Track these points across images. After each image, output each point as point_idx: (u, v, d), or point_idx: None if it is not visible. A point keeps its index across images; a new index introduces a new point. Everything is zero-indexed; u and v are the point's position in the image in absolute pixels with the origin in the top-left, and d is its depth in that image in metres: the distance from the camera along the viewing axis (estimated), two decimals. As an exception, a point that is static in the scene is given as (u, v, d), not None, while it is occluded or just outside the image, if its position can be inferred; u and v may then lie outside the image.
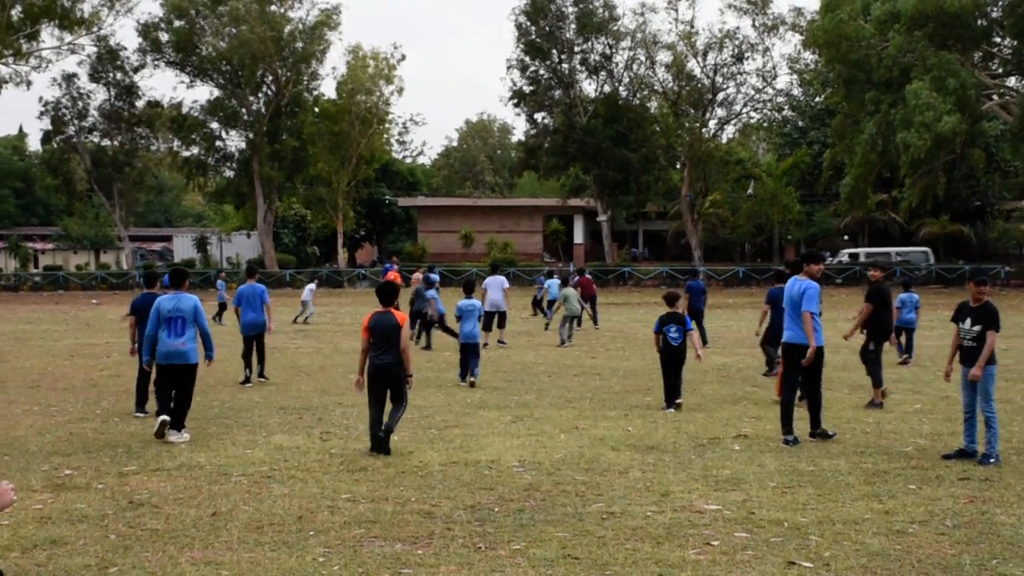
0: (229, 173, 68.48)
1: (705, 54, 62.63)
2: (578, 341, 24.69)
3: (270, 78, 63.91)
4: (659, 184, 65.77)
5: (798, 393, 11.78)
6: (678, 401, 13.55)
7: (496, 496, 8.48)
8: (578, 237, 70.56)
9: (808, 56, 63.24)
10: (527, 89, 64.40)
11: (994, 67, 53.66)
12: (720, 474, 9.32)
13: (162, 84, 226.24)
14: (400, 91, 66.66)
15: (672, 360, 13.55)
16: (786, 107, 71.82)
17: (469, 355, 16.69)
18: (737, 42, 61.68)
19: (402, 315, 10.73)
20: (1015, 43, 50.37)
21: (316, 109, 66.87)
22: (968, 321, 10.10)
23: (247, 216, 70.69)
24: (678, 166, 66.55)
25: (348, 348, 23.17)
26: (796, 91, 71.19)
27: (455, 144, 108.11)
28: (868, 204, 56.87)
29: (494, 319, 23.54)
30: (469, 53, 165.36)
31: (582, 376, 17.69)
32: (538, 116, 65.99)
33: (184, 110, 65.44)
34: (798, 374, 11.29)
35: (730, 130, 69.51)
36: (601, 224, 65.10)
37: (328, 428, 12.12)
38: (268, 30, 60.56)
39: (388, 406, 10.58)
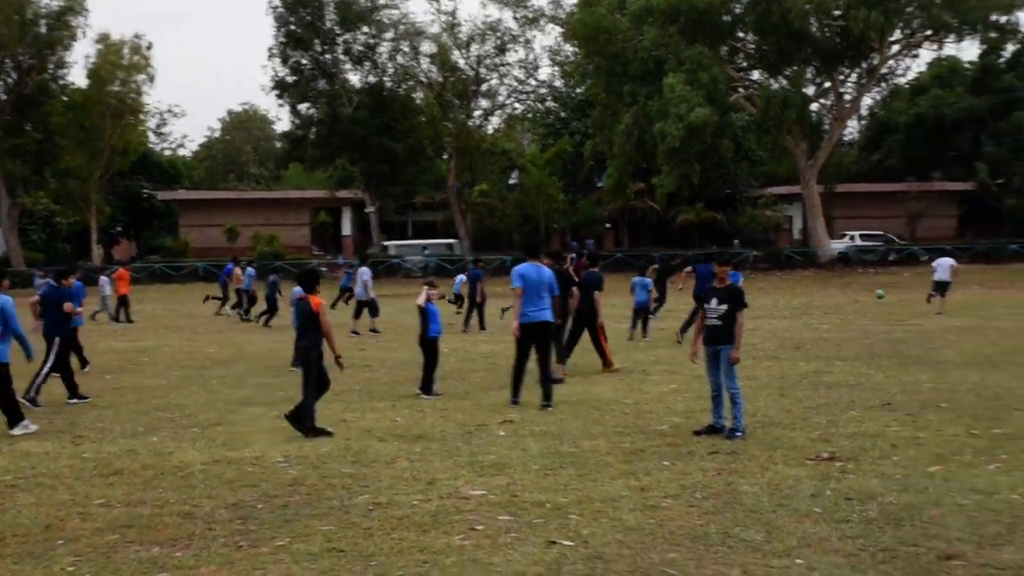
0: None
1: (468, 45, 63.32)
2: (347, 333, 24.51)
3: (11, 64, 60.03)
4: (427, 174, 66.12)
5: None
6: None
7: (260, 493, 8.32)
8: (346, 229, 70.02)
9: (568, 48, 64.94)
10: (290, 79, 63.32)
11: (739, 61, 56.60)
12: (485, 460, 9.46)
13: None
14: (152, 79, 63.77)
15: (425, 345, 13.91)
16: (548, 98, 73.45)
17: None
18: (499, 34, 62.66)
19: (318, 300, 11.16)
20: (757, 39, 53.25)
21: (64, 99, 63.39)
22: (714, 301, 10.63)
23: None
24: (445, 156, 67.03)
25: (105, 348, 22.20)
26: (558, 82, 72.91)
27: (217, 136, 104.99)
28: (628, 193, 58.84)
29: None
30: (229, 41, 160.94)
31: (351, 368, 17.52)
32: (302, 107, 65.08)
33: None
34: (529, 348, 12.69)
35: (495, 121, 70.63)
36: (370, 215, 64.85)
37: (81, 432, 11.57)
38: (12, 13, 56.96)
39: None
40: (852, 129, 76.00)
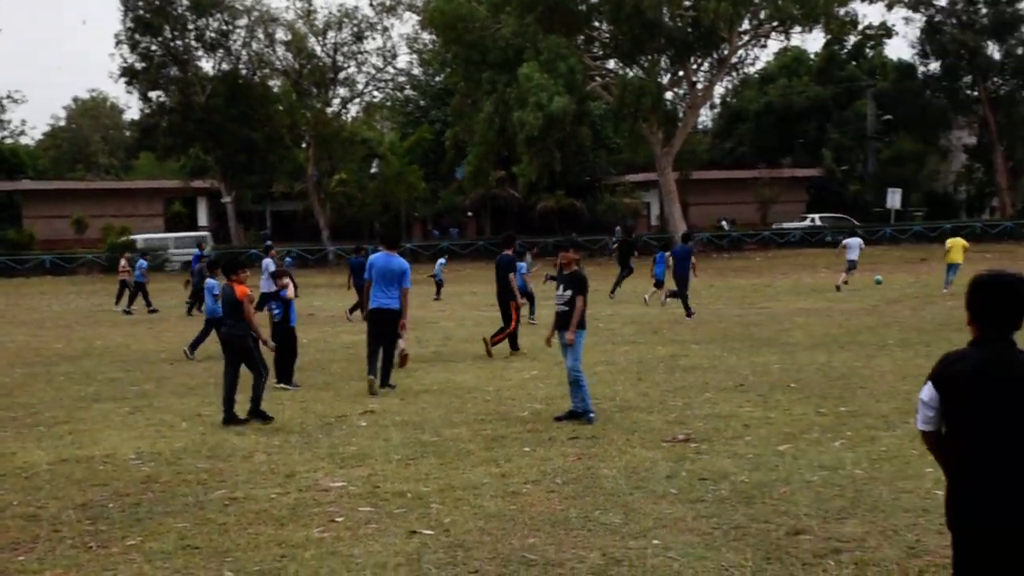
0: None
1: (325, 33, 62.51)
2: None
3: None
4: (285, 163, 65.01)
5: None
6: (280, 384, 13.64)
7: (110, 492, 8.07)
8: (202, 219, 68.34)
9: (427, 37, 64.68)
10: (139, 66, 61.37)
11: (595, 50, 57.28)
12: (346, 451, 9.37)
13: None
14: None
15: (277, 336, 13.55)
16: (407, 87, 73.09)
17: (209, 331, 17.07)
18: (356, 21, 62.04)
19: (242, 289, 11.27)
20: (612, 28, 53.97)
21: None
22: (561, 287, 10.78)
23: None
24: (303, 145, 66.06)
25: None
26: (417, 71, 72.59)
27: (63, 124, 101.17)
28: (489, 181, 58.99)
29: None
30: (74, 26, 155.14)
31: (207, 362, 17.17)
32: (153, 94, 63.11)
33: None
34: (379, 333, 13.08)
35: (354, 109, 69.92)
36: (226, 206, 63.50)
37: (-81, 435, 11.03)
38: None
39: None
40: (705, 117, 77.82)
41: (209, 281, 16.97)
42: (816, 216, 62.18)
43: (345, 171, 63.90)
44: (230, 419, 10.98)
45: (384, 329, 13.08)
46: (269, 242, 29.46)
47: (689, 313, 22.43)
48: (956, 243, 27.72)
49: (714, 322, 21.56)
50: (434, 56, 66.53)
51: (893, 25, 70.60)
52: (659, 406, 11.31)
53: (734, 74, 63.34)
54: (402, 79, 71.10)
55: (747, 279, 36.58)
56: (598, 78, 54.96)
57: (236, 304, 11.23)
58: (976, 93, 63.22)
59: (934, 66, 65.51)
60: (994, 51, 62.64)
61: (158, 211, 68.62)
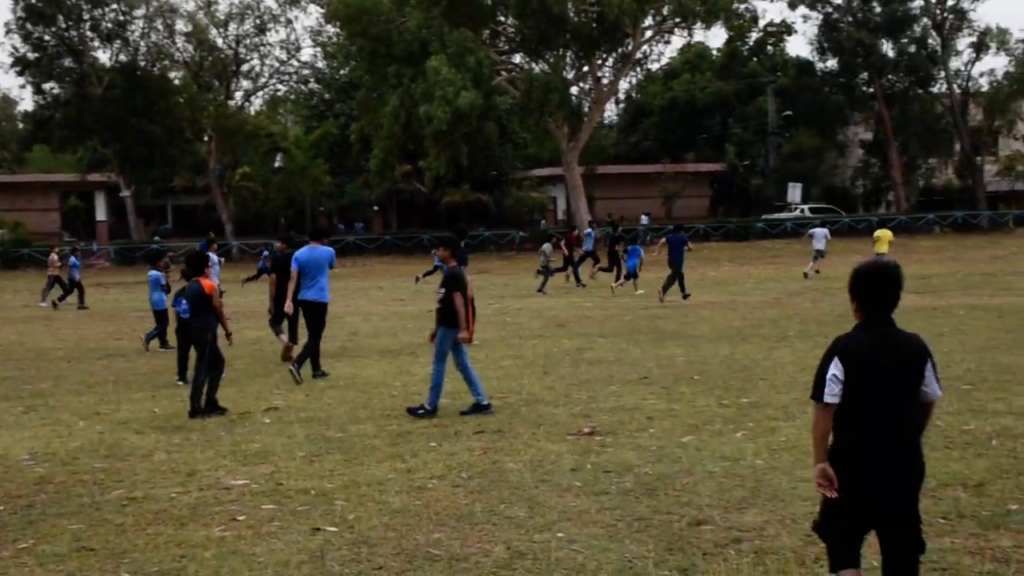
0: None
1: (226, 24, 61.59)
2: (108, 322, 23.46)
3: None
4: (186, 157, 63.92)
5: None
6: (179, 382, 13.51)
7: (1, 493, 7.83)
8: (101, 214, 66.85)
9: (331, 29, 64.07)
10: (32, 56, 59.64)
11: (501, 45, 57.38)
12: (249, 448, 9.23)
13: None
14: None
15: (182, 334, 13.33)
16: (312, 80, 72.36)
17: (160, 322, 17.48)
18: (258, 13, 61.28)
19: (210, 283, 11.59)
20: (518, 23, 54.11)
21: None
22: (439, 285, 10.89)
23: None
24: (205, 139, 65.00)
25: None
26: (321, 64, 71.92)
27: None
28: (395, 175, 58.73)
29: None
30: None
31: (106, 359, 16.81)
32: (47, 86, 61.44)
33: None
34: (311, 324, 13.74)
35: (258, 102, 69.01)
36: (125, 200, 62.17)
37: None
38: None
39: None
40: (611, 112, 78.46)
41: (152, 273, 17.32)
42: (806, 207, 63.19)
43: (248, 165, 63.08)
44: (197, 411, 11.00)
45: (314, 320, 13.69)
46: (212, 234, 28.72)
47: (685, 295, 24.86)
48: (884, 234, 29.08)
49: (620, 315, 21.75)
50: (339, 49, 65.96)
51: (793, 23, 71.93)
52: (564, 399, 11.36)
53: (639, 69, 64.14)
54: (306, 72, 70.51)
55: (654, 273, 36.92)
56: (504, 72, 55.08)
57: (205, 298, 11.39)
58: (872, 90, 64.84)
59: (832, 63, 67.10)
60: (888, 49, 64.30)
61: (54, 205, 66.97)
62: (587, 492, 7.33)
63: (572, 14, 52.02)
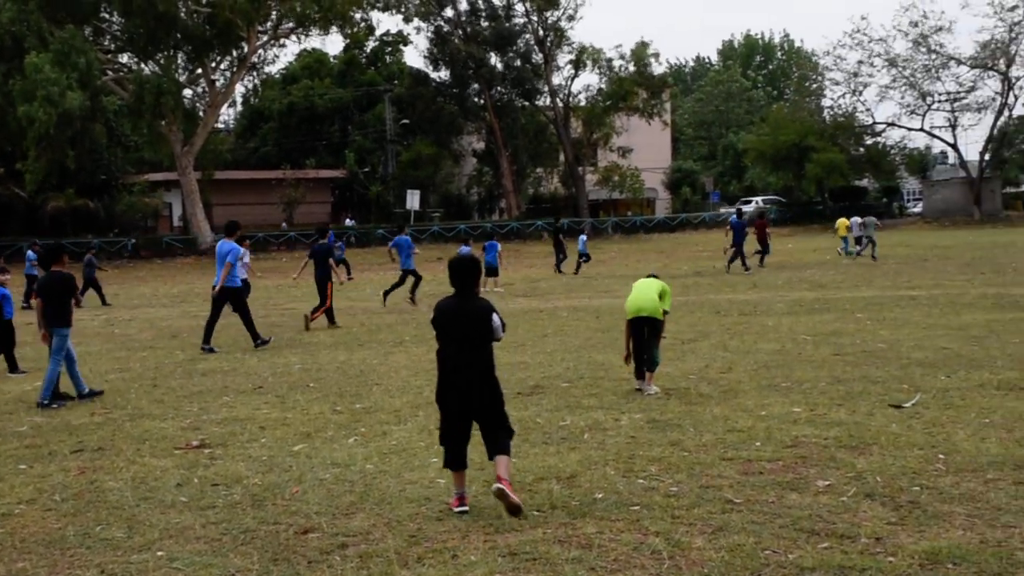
0: None
1: None
2: None
3: None
4: None
5: None
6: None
7: None
8: None
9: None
10: None
11: (106, 43, 54.59)
12: None
13: None
14: None
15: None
16: None
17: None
18: None
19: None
20: (124, 20, 51.71)
21: None
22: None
23: None
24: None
25: None
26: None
27: None
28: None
29: None
30: None
31: None
32: None
33: None
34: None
35: None
36: None
37: None
38: None
39: None
40: (228, 116, 76.79)
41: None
42: (759, 199, 70.84)
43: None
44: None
45: (235, 304, 17.10)
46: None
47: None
48: (841, 223, 38.48)
49: (235, 326, 21.24)
50: None
51: (408, 34, 73.51)
52: (174, 412, 10.96)
53: (255, 73, 63.07)
54: None
55: (272, 280, 36.50)
56: (110, 72, 52.47)
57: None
58: (482, 101, 67.57)
59: (445, 74, 69.21)
60: (497, 62, 67.29)
61: None
62: (192, 507, 7.10)
63: (183, 14, 50.40)
